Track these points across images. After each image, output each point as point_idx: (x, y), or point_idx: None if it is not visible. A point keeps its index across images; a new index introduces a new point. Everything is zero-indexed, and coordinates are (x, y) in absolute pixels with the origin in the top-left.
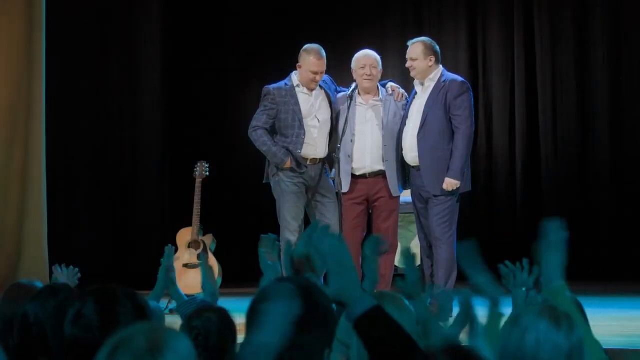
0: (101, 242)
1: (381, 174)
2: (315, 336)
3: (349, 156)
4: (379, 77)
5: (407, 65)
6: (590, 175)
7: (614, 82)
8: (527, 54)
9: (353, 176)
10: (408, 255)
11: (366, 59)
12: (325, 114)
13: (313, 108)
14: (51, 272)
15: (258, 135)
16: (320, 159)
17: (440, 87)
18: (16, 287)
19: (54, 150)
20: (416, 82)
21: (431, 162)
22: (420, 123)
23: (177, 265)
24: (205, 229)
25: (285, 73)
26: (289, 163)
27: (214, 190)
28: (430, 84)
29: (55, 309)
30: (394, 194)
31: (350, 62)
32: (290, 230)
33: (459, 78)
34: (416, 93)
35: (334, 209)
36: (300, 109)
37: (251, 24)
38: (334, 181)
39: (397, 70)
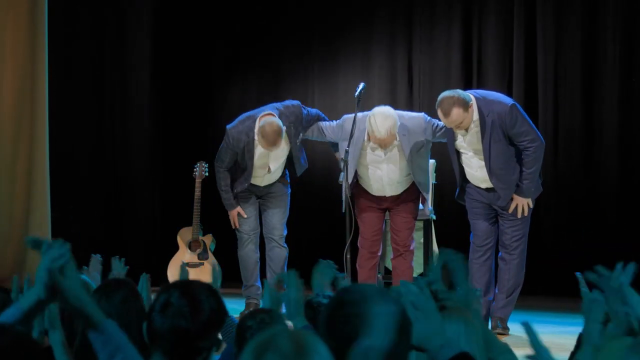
0: (96, 238)
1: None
2: (402, 340)
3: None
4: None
5: (453, 127)
6: (596, 188)
7: (625, 84)
8: (527, 52)
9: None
10: (458, 267)
11: (383, 140)
12: (280, 159)
13: (267, 158)
14: None
15: (219, 173)
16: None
17: (489, 124)
18: None
19: (56, 148)
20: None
21: (506, 185)
22: (486, 160)
23: (178, 264)
24: (205, 229)
25: (279, 73)
26: (233, 213)
27: (214, 191)
28: (475, 126)
29: (120, 302)
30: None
31: (337, 61)
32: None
33: (501, 103)
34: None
35: (279, 201)
36: (253, 163)
37: (245, 24)
38: (342, 185)
39: (383, 71)
